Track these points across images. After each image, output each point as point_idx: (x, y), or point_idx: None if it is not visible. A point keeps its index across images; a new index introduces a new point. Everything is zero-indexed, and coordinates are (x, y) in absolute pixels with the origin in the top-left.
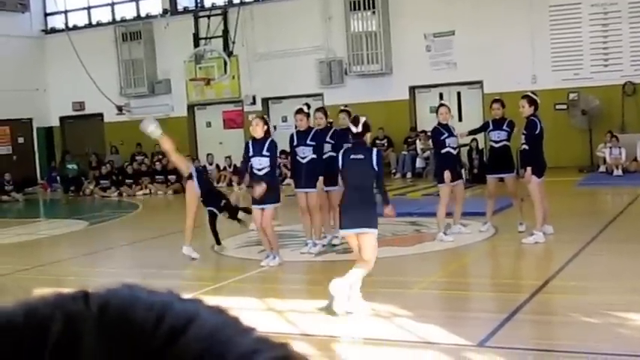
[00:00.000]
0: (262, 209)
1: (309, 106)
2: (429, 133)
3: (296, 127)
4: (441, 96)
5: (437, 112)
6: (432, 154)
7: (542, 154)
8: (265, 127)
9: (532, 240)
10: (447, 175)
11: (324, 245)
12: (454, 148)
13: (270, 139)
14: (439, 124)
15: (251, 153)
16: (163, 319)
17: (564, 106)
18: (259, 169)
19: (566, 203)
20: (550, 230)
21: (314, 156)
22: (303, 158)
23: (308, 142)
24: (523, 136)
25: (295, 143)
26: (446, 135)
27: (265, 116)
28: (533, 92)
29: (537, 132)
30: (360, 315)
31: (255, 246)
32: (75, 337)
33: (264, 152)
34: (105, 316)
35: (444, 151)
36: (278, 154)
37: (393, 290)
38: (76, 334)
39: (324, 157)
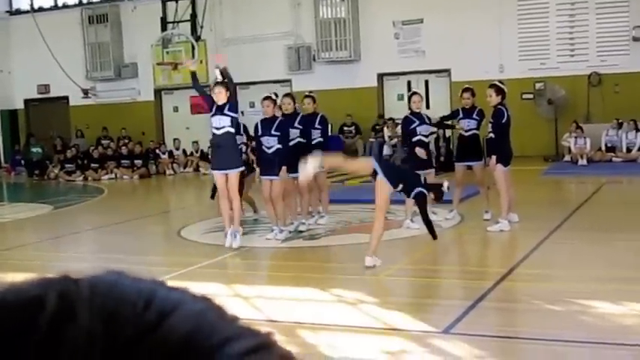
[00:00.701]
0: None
1: (276, 95)
2: (398, 121)
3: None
4: (409, 84)
5: (409, 100)
6: (399, 142)
7: (509, 143)
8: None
9: (497, 228)
10: (419, 150)
11: (290, 232)
12: (425, 136)
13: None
14: (411, 112)
15: (260, 132)
16: (152, 303)
17: (531, 96)
18: (268, 148)
19: (532, 192)
20: (515, 219)
21: (279, 146)
22: (268, 148)
23: (273, 132)
24: (490, 125)
25: (260, 133)
26: (417, 123)
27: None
28: (500, 81)
29: (504, 121)
30: (326, 301)
31: (220, 232)
32: (70, 316)
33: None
34: (96, 297)
35: (415, 139)
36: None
37: (359, 277)
38: (71, 313)
39: (292, 143)
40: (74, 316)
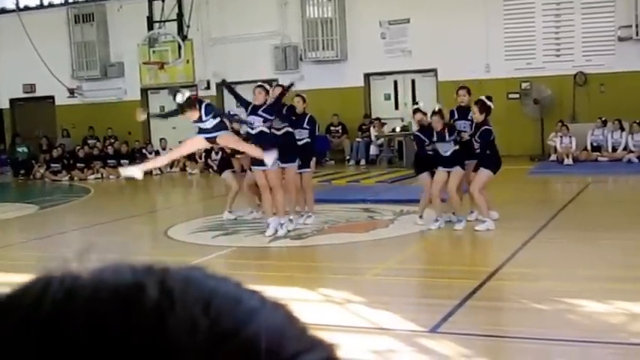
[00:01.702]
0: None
1: (271, 85)
2: (384, 121)
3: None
4: (395, 83)
5: (413, 116)
6: (385, 141)
7: (498, 152)
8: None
9: (484, 227)
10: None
11: (288, 229)
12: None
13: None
14: (420, 129)
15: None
16: (241, 299)
17: (517, 96)
18: (252, 129)
19: (518, 191)
20: (495, 216)
21: (263, 127)
22: (252, 129)
23: (260, 112)
24: (477, 143)
25: (248, 112)
26: (427, 142)
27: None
28: (488, 97)
29: (492, 139)
30: (315, 301)
31: (207, 232)
32: (170, 301)
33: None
34: (190, 287)
35: (423, 153)
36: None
37: (347, 276)
38: (170, 299)
39: (281, 132)
40: (174, 304)
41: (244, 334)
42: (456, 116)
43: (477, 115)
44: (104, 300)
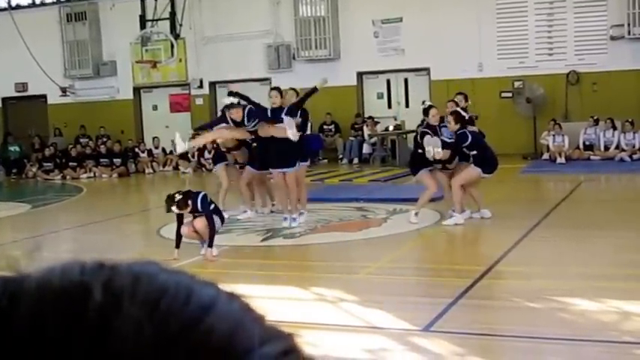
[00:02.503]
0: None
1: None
2: (377, 120)
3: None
4: (388, 82)
5: (427, 114)
6: (378, 139)
7: (492, 153)
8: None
9: (452, 222)
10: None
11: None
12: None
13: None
14: (428, 126)
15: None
16: (191, 296)
17: (509, 94)
18: None
19: (510, 190)
20: (488, 214)
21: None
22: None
23: (282, 115)
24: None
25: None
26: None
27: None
28: (464, 108)
29: (467, 144)
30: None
31: None
32: (115, 303)
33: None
34: (138, 288)
35: (420, 151)
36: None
37: (340, 275)
38: (116, 301)
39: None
40: (120, 307)
41: (194, 334)
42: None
43: (451, 125)
44: (47, 305)
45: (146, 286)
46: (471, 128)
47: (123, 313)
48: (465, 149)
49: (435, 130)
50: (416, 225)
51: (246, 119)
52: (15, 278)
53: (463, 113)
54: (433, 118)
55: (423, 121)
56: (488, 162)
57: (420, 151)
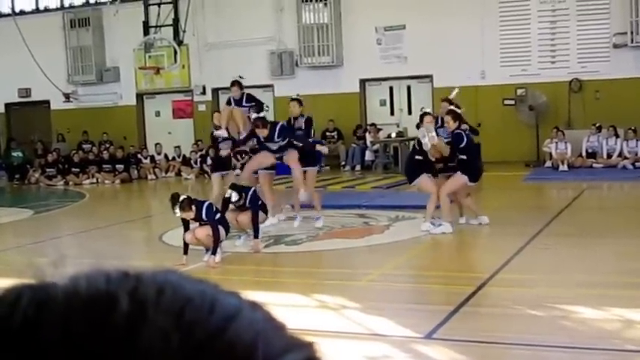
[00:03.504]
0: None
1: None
2: (380, 127)
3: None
4: (391, 89)
5: (422, 120)
6: (380, 146)
7: (480, 161)
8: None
9: (439, 230)
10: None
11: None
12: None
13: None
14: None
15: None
16: (215, 306)
17: (512, 102)
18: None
19: (513, 197)
20: (486, 220)
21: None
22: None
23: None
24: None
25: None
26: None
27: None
28: (457, 106)
29: (463, 145)
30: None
31: None
32: (141, 313)
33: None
34: (163, 296)
35: (418, 157)
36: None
37: (342, 282)
38: (142, 310)
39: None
40: (146, 316)
41: (219, 343)
42: (440, 124)
43: (450, 124)
44: (75, 313)
45: (171, 296)
46: (463, 126)
47: (150, 322)
48: (457, 151)
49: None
50: (403, 235)
51: (275, 136)
52: (40, 286)
53: (458, 111)
54: (428, 123)
55: (418, 127)
56: (474, 170)
57: (417, 157)
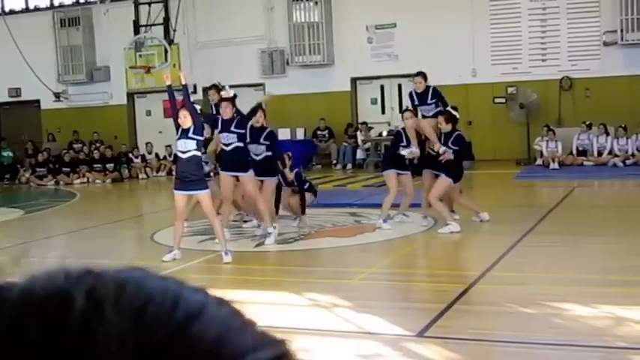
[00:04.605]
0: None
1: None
2: (371, 125)
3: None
4: (382, 88)
5: (402, 116)
6: (372, 145)
7: (461, 163)
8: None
9: (447, 230)
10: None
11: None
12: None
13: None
14: (404, 129)
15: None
16: (178, 304)
17: (503, 100)
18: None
19: (504, 195)
20: (486, 217)
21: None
22: (227, 145)
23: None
24: (451, 150)
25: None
26: (404, 144)
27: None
28: (454, 107)
29: (457, 148)
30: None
31: (193, 236)
32: (99, 315)
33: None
34: (123, 294)
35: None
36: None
37: (333, 281)
38: (99, 312)
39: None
40: (102, 316)
41: (181, 342)
42: (417, 102)
43: (443, 125)
44: (28, 313)
45: (132, 293)
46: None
47: (106, 322)
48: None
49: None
50: (390, 231)
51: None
52: None
53: (454, 112)
54: (407, 121)
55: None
56: (458, 171)
57: (394, 150)
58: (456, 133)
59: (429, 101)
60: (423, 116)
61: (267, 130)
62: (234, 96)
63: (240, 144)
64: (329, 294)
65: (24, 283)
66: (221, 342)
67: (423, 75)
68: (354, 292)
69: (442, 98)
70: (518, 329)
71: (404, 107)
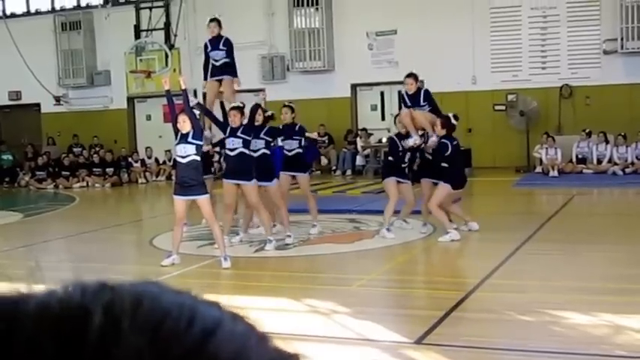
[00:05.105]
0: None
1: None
2: (371, 132)
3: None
4: (382, 94)
5: (395, 121)
6: (371, 151)
7: (462, 169)
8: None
9: (448, 238)
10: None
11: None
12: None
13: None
14: (398, 134)
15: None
16: (194, 319)
17: (503, 107)
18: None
19: (503, 203)
20: (475, 226)
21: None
22: (232, 150)
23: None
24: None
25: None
26: (400, 148)
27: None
28: (455, 116)
29: (447, 154)
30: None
31: (193, 241)
32: (115, 328)
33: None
34: (139, 311)
35: (391, 158)
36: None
37: (332, 287)
38: (116, 325)
39: (258, 154)
40: (120, 332)
41: (197, 359)
42: (409, 103)
43: (438, 129)
44: (45, 329)
45: (148, 309)
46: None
47: (123, 339)
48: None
49: (402, 138)
50: (394, 240)
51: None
52: (11, 299)
53: (453, 121)
54: (399, 124)
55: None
56: (457, 177)
57: (390, 158)
58: (442, 140)
59: (421, 103)
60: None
61: (298, 126)
62: (243, 105)
63: (245, 150)
64: (328, 300)
65: (40, 297)
66: (237, 358)
67: (414, 76)
68: (353, 298)
69: (434, 102)
70: (517, 337)
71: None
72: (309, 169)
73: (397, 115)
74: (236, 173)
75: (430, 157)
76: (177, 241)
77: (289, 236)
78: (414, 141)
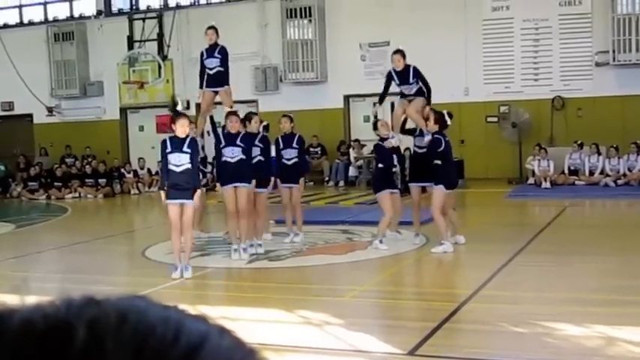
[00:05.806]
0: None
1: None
2: (364, 143)
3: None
4: (374, 105)
5: (376, 127)
6: (364, 162)
7: (454, 169)
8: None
9: (441, 250)
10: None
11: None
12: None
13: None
14: (381, 139)
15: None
16: (180, 333)
17: (495, 119)
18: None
19: (496, 214)
20: (462, 240)
21: (243, 156)
22: (232, 158)
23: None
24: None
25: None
26: (388, 147)
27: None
28: (449, 113)
29: (441, 149)
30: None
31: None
32: (99, 345)
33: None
34: (124, 327)
35: (381, 165)
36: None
37: (325, 298)
38: (100, 342)
39: (254, 160)
40: (103, 348)
41: None
42: (397, 81)
43: (430, 125)
44: (28, 345)
45: (133, 325)
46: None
47: (106, 356)
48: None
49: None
50: (387, 251)
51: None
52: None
53: (446, 118)
54: (382, 128)
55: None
56: (450, 176)
57: (380, 165)
58: (435, 136)
59: (410, 80)
60: (403, 94)
61: (297, 136)
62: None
63: (245, 157)
64: (320, 311)
65: (26, 312)
66: None
67: (401, 52)
68: (346, 309)
69: (424, 78)
70: (510, 348)
71: (377, 119)
72: (305, 179)
73: (377, 121)
74: (235, 177)
75: (424, 151)
76: (177, 249)
77: (260, 245)
78: (396, 141)
